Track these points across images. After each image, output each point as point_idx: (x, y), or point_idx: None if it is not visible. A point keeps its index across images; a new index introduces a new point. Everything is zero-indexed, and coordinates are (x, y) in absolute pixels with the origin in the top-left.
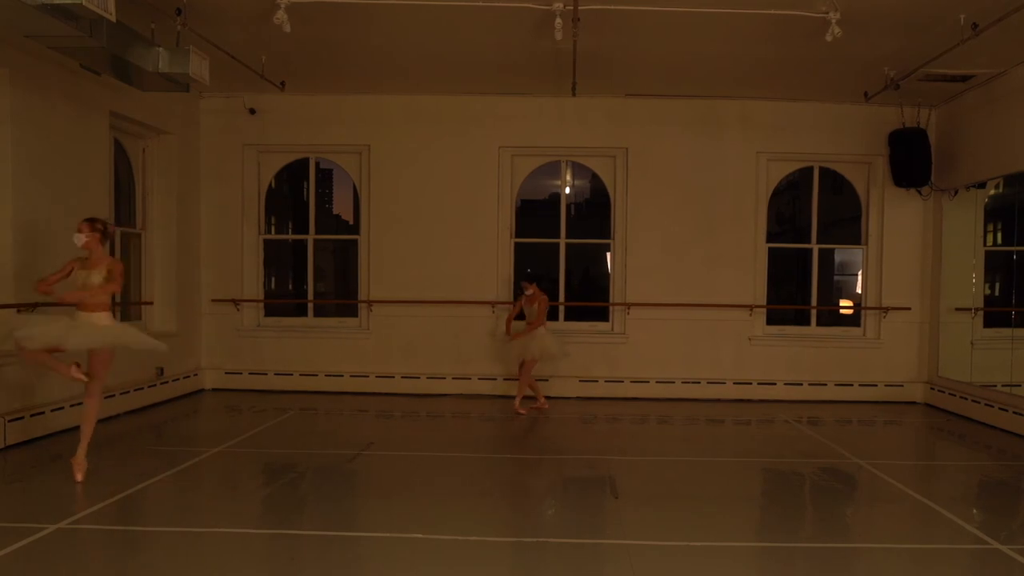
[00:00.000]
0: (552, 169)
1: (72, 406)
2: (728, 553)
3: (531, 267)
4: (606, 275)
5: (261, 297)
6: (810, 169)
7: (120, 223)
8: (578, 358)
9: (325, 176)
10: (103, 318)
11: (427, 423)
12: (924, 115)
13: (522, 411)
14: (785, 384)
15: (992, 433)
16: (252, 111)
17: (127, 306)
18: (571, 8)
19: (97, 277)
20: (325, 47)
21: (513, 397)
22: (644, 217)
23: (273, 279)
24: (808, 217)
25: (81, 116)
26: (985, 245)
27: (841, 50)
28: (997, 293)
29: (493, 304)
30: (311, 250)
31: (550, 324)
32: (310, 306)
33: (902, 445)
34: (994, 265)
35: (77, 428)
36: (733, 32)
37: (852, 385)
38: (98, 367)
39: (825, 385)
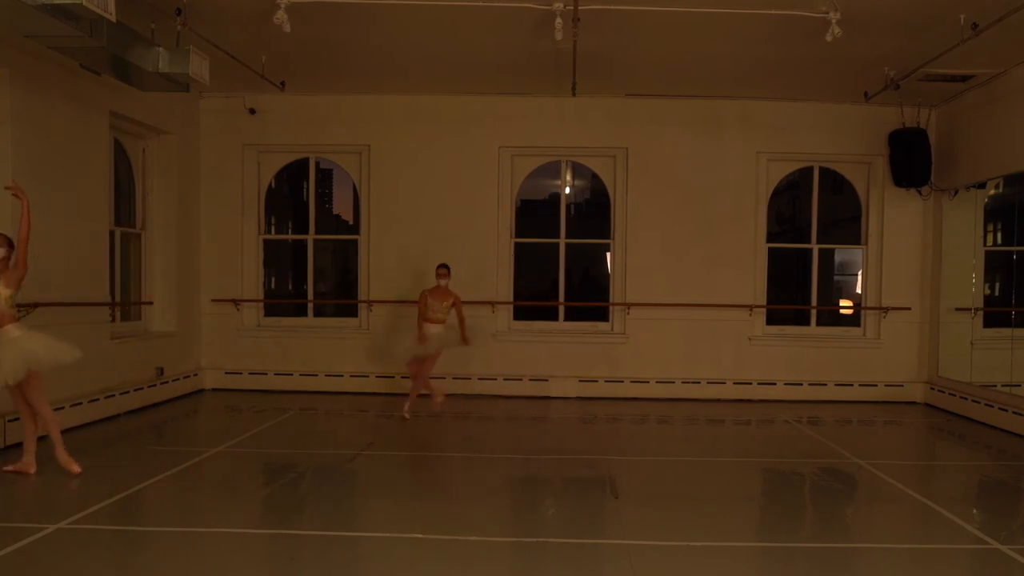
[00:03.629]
0: (552, 169)
1: (72, 406)
2: (728, 553)
3: (531, 267)
4: (606, 275)
5: (261, 297)
6: (810, 169)
7: (120, 223)
8: (578, 358)
9: (325, 176)
10: (12, 330)
11: (427, 423)
12: (924, 115)
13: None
14: (785, 384)
15: (992, 433)
16: (252, 111)
17: (127, 306)
18: (571, 8)
19: (7, 290)
20: (325, 47)
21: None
22: (644, 217)
23: (273, 279)
24: (808, 217)
25: (81, 116)
26: (985, 245)
27: (841, 50)
28: (997, 293)
29: (493, 304)
30: (311, 250)
31: (550, 324)
32: (310, 306)
33: (902, 445)
34: (994, 265)
35: (77, 428)
36: (733, 32)
37: (852, 385)
38: (34, 390)
39: (825, 385)
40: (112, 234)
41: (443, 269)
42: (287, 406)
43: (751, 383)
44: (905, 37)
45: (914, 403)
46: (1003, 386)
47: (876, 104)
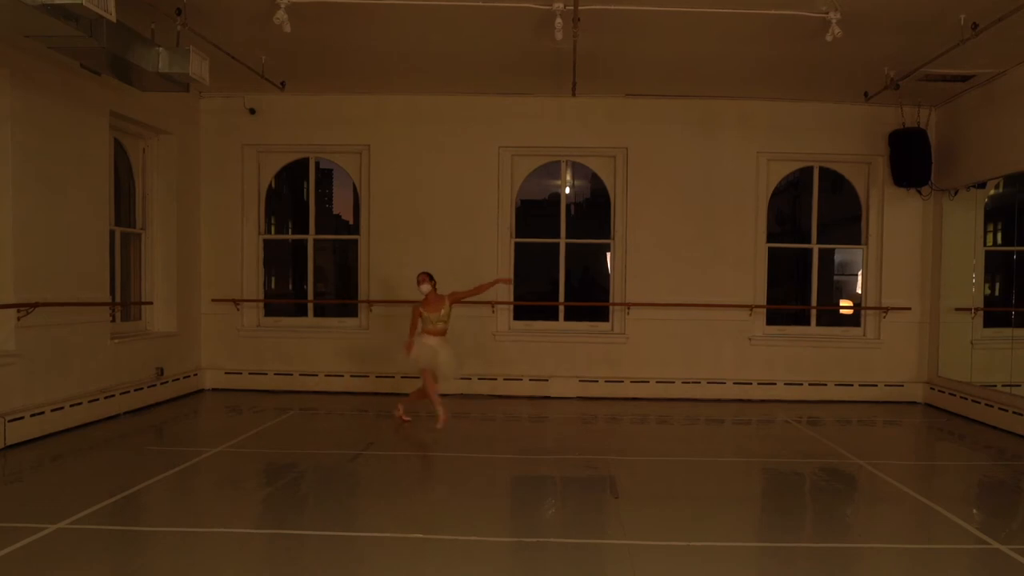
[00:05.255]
0: (552, 169)
1: (72, 406)
2: (728, 553)
3: (531, 267)
4: (606, 275)
5: (261, 297)
6: (810, 169)
7: (120, 223)
8: (578, 358)
9: (325, 176)
10: None
11: (427, 423)
12: (924, 115)
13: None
14: (785, 384)
15: (992, 433)
16: (252, 111)
17: (127, 306)
18: (571, 8)
19: None
20: (325, 47)
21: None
22: (644, 217)
23: (273, 279)
24: (808, 217)
25: (81, 116)
26: (985, 245)
27: (841, 50)
28: (997, 293)
29: (493, 304)
30: (311, 250)
31: (550, 324)
32: (310, 306)
33: (902, 445)
34: (994, 265)
35: (77, 428)
36: (733, 32)
37: (852, 385)
38: None
39: (825, 385)
40: (112, 234)
41: (423, 275)
42: (287, 406)
43: (751, 383)
44: (905, 37)
45: (914, 403)
46: (1003, 386)
47: (876, 104)
